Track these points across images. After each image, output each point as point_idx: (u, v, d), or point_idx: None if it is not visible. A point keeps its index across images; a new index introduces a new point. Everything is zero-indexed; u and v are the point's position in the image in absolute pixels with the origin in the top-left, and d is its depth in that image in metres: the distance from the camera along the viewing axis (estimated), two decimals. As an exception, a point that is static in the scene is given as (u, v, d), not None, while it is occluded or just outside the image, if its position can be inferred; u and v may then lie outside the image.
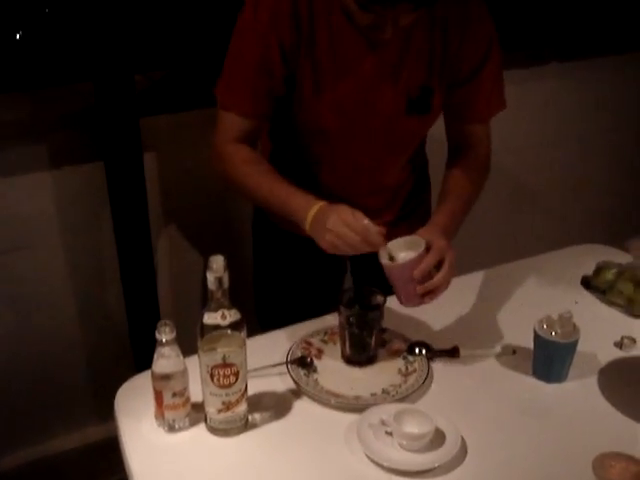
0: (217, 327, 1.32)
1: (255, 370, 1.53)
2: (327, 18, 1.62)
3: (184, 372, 1.40)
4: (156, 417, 1.44)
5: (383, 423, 1.39)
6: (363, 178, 1.89)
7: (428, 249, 1.54)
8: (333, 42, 1.64)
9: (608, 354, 1.66)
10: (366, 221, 1.50)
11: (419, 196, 2.07)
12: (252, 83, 1.67)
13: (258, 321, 2.05)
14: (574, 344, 1.55)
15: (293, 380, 1.55)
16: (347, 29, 1.61)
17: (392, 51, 1.67)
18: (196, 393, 1.43)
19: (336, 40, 1.64)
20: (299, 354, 1.63)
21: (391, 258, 1.55)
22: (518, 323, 1.70)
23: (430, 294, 1.55)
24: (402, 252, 1.56)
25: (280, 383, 1.57)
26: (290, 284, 2.06)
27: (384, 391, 1.54)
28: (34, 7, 2.20)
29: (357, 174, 1.87)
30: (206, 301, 1.33)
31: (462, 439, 1.38)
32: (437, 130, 1.90)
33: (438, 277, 1.53)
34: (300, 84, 1.69)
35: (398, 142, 1.85)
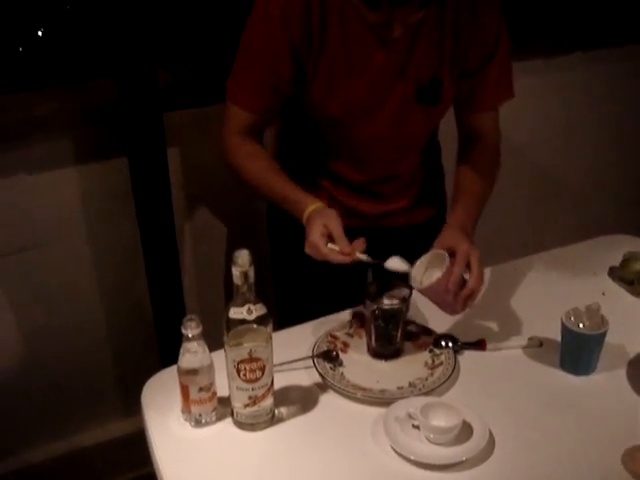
0: (243, 322, 1.32)
1: (281, 364, 1.53)
2: (338, 15, 1.63)
3: (210, 367, 1.40)
4: (183, 412, 1.45)
5: (410, 416, 1.39)
6: (376, 166, 1.90)
7: (452, 255, 1.56)
8: (344, 39, 1.65)
9: (637, 346, 1.64)
10: (328, 247, 1.55)
11: (433, 182, 2.07)
12: (259, 79, 1.69)
13: (278, 316, 2.05)
14: (602, 336, 1.53)
15: (319, 374, 1.55)
16: (357, 26, 1.62)
17: (402, 46, 1.68)
18: (222, 387, 1.43)
19: (347, 37, 1.65)
20: (325, 348, 1.63)
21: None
22: (545, 315, 1.68)
23: (470, 298, 1.57)
24: (431, 267, 1.57)
25: (306, 377, 1.57)
26: (310, 277, 2.06)
27: (411, 384, 1.53)
28: (55, 3, 2.21)
29: (370, 162, 1.88)
30: (231, 294, 1.33)
31: (490, 432, 1.37)
32: (450, 116, 1.90)
33: (471, 283, 1.55)
34: (310, 82, 1.70)
35: (409, 132, 1.85)
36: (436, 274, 1.54)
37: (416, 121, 1.82)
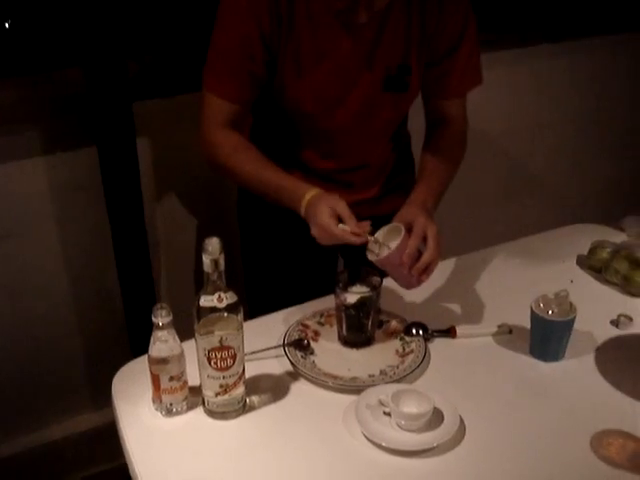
0: (214, 310, 1.32)
1: (252, 353, 1.53)
2: (305, 2, 1.64)
3: (181, 356, 1.40)
4: (153, 401, 1.44)
5: (381, 404, 1.40)
6: (345, 155, 1.91)
7: (410, 230, 1.57)
8: (311, 26, 1.66)
9: (605, 332, 1.67)
10: (340, 226, 1.55)
11: (403, 172, 2.08)
12: (234, 67, 1.69)
13: (248, 305, 2.04)
14: (571, 322, 1.55)
15: (290, 362, 1.56)
16: (324, 12, 1.63)
17: (368, 32, 1.69)
18: (193, 376, 1.43)
19: (314, 23, 1.66)
20: (296, 336, 1.63)
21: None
22: (514, 302, 1.70)
23: (425, 271, 1.58)
24: (388, 241, 1.58)
25: (277, 366, 1.57)
26: (280, 266, 2.06)
27: (382, 372, 1.54)
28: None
29: (339, 151, 1.89)
30: (201, 284, 1.32)
31: (460, 418, 1.38)
32: (420, 107, 1.92)
33: (426, 255, 1.56)
34: (281, 68, 1.70)
35: (378, 120, 1.86)
36: (391, 246, 1.55)
37: (384, 109, 1.82)
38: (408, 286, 1.63)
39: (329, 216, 1.55)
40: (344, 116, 1.79)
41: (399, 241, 1.54)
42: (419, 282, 1.60)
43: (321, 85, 1.73)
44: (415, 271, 1.57)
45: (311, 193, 1.63)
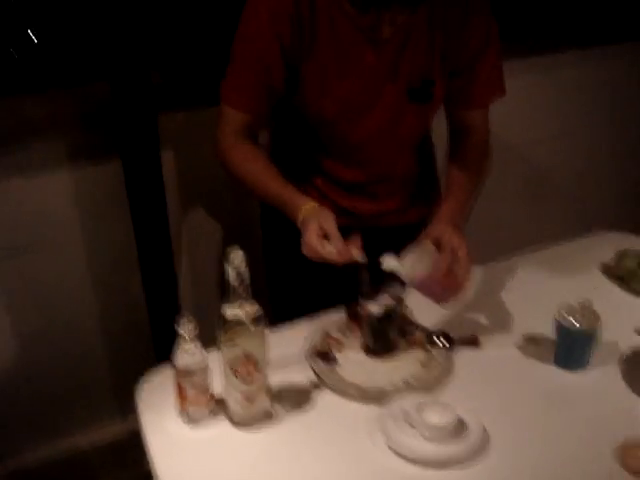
0: (238, 322, 1.33)
1: (276, 363, 1.53)
2: (328, 17, 1.64)
3: (206, 367, 1.41)
4: (179, 411, 1.45)
5: (405, 414, 1.39)
6: (369, 166, 1.90)
7: (439, 246, 1.58)
8: (335, 40, 1.66)
9: (629, 341, 1.65)
10: (325, 247, 1.54)
11: (428, 182, 2.08)
12: (251, 80, 1.70)
13: (271, 313, 2.05)
14: (595, 332, 1.54)
15: (314, 372, 1.56)
16: (347, 26, 1.64)
17: (392, 46, 1.69)
18: (218, 387, 1.44)
19: (337, 37, 1.66)
20: (320, 346, 1.64)
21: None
22: (538, 311, 1.69)
23: (458, 288, 1.59)
24: (418, 259, 1.58)
25: (301, 376, 1.57)
26: (303, 276, 2.06)
27: (405, 382, 1.54)
28: (48, 7, 2.21)
29: (363, 162, 1.89)
30: (225, 292, 1.33)
31: (484, 429, 1.38)
32: (443, 117, 1.92)
33: (459, 273, 1.57)
34: (303, 82, 1.71)
35: (402, 132, 1.86)
36: (423, 267, 1.55)
37: (408, 120, 1.83)
38: (442, 302, 1.63)
39: (316, 235, 1.55)
40: (368, 128, 1.79)
41: (431, 262, 1.55)
42: (453, 297, 1.60)
43: (344, 99, 1.74)
44: (448, 287, 1.58)
45: (305, 208, 1.63)
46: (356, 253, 1.54)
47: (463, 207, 1.78)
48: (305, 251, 1.57)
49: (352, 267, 2.07)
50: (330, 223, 1.56)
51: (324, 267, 1.99)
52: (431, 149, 2.08)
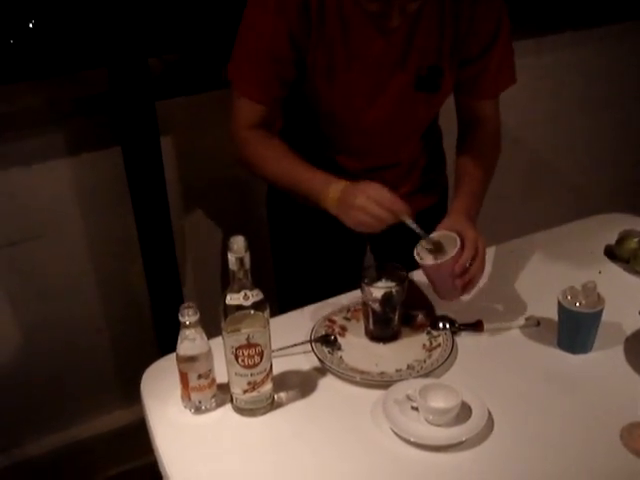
0: (240, 307, 1.33)
1: (279, 349, 1.54)
2: (337, 4, 1.63)
3: (209, 354, 1.40)
4: (182, 399, 1.45)
5: (409, 398, 1.40)
6: (376, 155, 1.90)
7: (462, 241, 1.58)
8: (343, 27, 1.65)
9: (633, 323, 1.65)
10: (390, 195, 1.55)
11: (435, 169, 2.08)
12: (261, 69, 1.69)
13: (278, 302, 2.05)
14: (599, 314, 1.54)
15: (318, 358, 1.56)
16: (357, 14, 1.62)
17: (401, 34, 1.67)
18: (221, 374, 1.43)
19: (346, 25, 1.65)
20: (323, 332, 1.64)
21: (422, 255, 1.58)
22: (541, 294, 1.69)
23: (469, 285, 1.60)
24: (439, 248, 1.58)
25: (305, 362, 1.57)
26: (310, 263, 2.06)
27: (409, 366, 1.54)
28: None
29: (370, 151, 1.89)
30: (228, 281, 1.33)
31: (489, 412, 1.38)
32: (450, 102, 1.90)
33: (474, 268, 1.58)
34: (311, 69, 1.70)
35: (409, 120, 1.86)
36: (445, 255, 1.55)
37: (416, 109, 1.82)
38: (449, 297, 1.64)
39: (379, 188, 1.56)
40: (375, 116, 1.78)
41: (454, 252, 1.55)
42: (460, 295, 1.62)
43: (352, 86, 1.73)
44: (460, 283, 1.58)
45: (343, 183, 1.62)
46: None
47: (478, 200, 1.78)
48: (363, 203, 1.56)
49: (359, 252, 2.08)
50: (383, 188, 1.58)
51: (331, 253, 1.99)
52: (439, 136, 2.08)
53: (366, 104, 1.76)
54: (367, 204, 1.55)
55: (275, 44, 1.64)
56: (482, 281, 1.79)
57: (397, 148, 1.91)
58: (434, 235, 1.61)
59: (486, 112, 1.88)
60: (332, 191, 1.62)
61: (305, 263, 2.08)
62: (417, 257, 1.60)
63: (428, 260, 1.60)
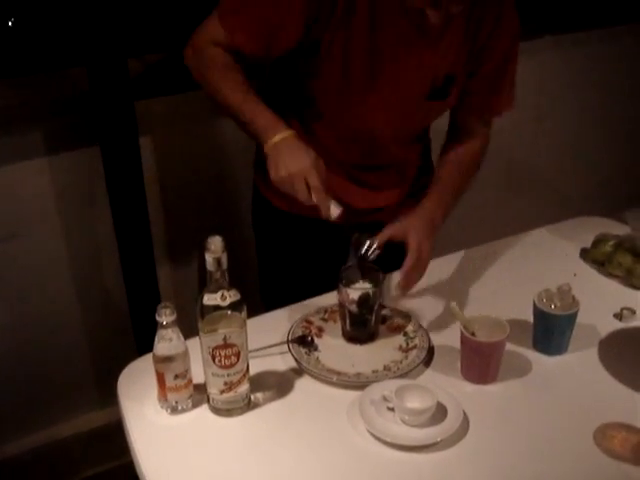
0: (217, 308, 1.33)
1: (256, 350, 1.54)
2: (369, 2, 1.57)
3: (185, 354, 1.40)
4: (159, 399, 1.45)
5: (385, 399, 1.40)
6: (370, 154, 1.87)
7: (406, 246, 1.63)
8: (371, 21, 1.59)
9: (608, 325, 1.67)
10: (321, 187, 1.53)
11: (424, 177, 2.05)
12: (260, 18, 1.60)
13: (263, 302, 2.04)
14: (573, 316, 1.55)
15: (294, 359, 1.56)
16: (392, 10, 1.58)
17: (428, 39, 1.65)
18: (198, 374, 1.43)
19: (376, 20, 1.59)
20: (300, 333, 1.64)
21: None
22: (517, 296, 1.69)
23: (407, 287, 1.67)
24: (482, 328, 1.52)
25: (281, 362, 1.57)
26: (293, 266, 2.05)
27: (385, 367, 1.54)
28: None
29: (365, 149, 1.85)
30: (205, 282, 1.33)
31: (464, 413, 1.39)
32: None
33: (412, 276, 1.65)
34: (325, 55, 1.62)
35: (412, 125, 1.86)
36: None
37: (420, 116, 1.83)
38: (477, 380, 1.52)
39: (319, 176, 1.53)
40: (377, 119, 1.76)
41: (502, 338, 1.48)
42: (491, 381, 1.52)
43: (363, 84, 1.68)
44: (402, 283, 1.65)
45: (288, 132, 1.56)
46: (333, 207, 1.56)
47: (445, 207, 1.78)
48: (287, 172, 1.52)
49: (342, 253, 2.08)
50: (321, 164, 1.55)
51: (315, 255, 1.97)
52: (428, 144, 2.07)
53: (373, 106, 1.73)
54: (298, 181, 1.51)
55: (288, 6, 1.55)
56: (458, 282, 1.81)
57: (391, 151, 1.88)
58: (485, 317, 1.54)
59: (479, 129, 1.89)
60: (276, 135, 1.55)
61: (289, 267, 2.06)
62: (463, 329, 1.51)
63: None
